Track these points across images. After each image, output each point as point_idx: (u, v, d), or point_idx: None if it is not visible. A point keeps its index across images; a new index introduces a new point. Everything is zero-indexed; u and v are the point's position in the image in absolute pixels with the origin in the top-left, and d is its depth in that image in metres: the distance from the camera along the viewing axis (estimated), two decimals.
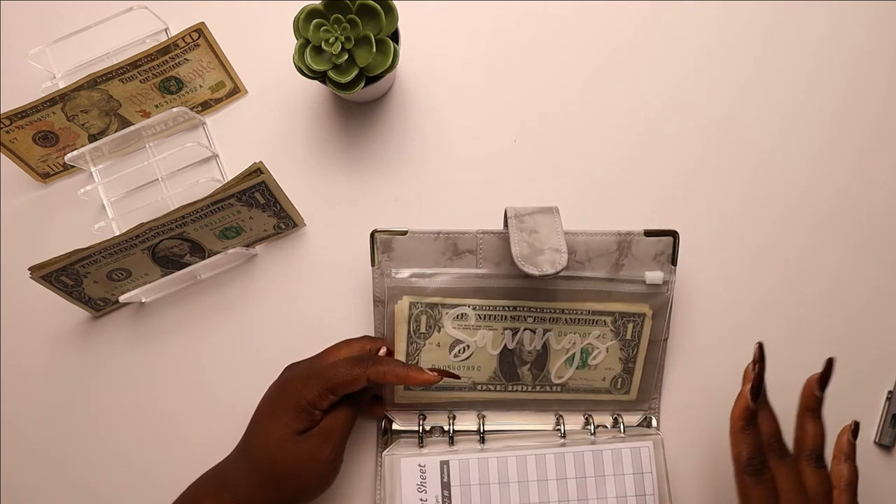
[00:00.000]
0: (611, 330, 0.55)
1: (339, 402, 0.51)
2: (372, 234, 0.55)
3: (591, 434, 0.55)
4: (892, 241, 0.60)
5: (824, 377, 0.49)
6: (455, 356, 0.55)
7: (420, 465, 0.54)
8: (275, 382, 0.53)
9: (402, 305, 0.54)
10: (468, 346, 0.55)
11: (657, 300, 0.55)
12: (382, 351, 0.54)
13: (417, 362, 0.55)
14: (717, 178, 0.60)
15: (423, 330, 0.54)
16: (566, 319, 0.55)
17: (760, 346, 0.49)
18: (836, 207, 0.60)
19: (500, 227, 0.56)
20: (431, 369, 0.52)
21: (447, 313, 0.54)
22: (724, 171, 0.60)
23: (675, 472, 0.57)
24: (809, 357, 0.58)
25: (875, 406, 0.58)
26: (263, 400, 0.53)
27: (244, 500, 0.49)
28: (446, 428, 0.55)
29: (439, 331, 0.54)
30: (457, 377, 0.54)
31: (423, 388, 0.55)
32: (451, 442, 0.55)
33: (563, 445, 0.55)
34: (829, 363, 0.49)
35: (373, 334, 0.57)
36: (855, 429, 0.50)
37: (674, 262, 0.55)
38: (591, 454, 0.54)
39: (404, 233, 0.55)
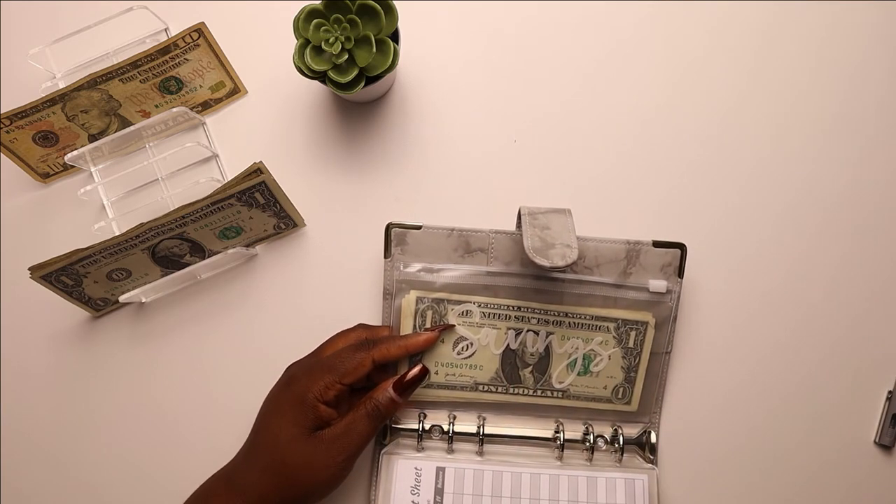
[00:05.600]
0: (613, 337, 0.55)
1: (357, 409, 0.50)
2: (387, 227, 0.55)
3: (591, 443, 0.55)
4: (892, 242, 0.60)
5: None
6: (458, 353, 0.55)
7: (416, 469, 0.55)
8: (278, 382, 0.53)
9: (409, 300, 0.54)
10: (471, 344, 0.55)
11: (660, 309, 0.55)
12: (382, 333, 0.54)
13: (421, 358, 0.55)
14: (721, 188, 0.60)
15: (428, 325, 0.55)
16: (570, 323, 0.55)
17: None
18: (836, 212, 0.60)
19: (505, 226, 0.56)
20: (427, 329, 0.54)
21: (452, 309, 0.54)
22: (731, 182, 0.60)
23: (671, 490, 0.57)
24: (811, 360, 0.58)
25: (875, 406, 0.58)
26: (267, 399, 0.52)
27: (254, 501, 0.49)
28: (446, 428, 0.55)
29: None
30: (452, 327, 0.54)
31: (423, 384, 0.55)
32: (451, 443, 0.55)
33: (559, 467, 0.55)
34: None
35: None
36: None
37: (680, 274, 0.56)
38: (586, 480, 0.55)
39: (419, 227, 0.55)
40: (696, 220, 0.60)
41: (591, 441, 0.55)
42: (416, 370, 0.53)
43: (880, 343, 0.59)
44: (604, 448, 0.56)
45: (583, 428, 0.56)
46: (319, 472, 0.49)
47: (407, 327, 0.55)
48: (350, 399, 0.53)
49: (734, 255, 0.59)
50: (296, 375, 0.51)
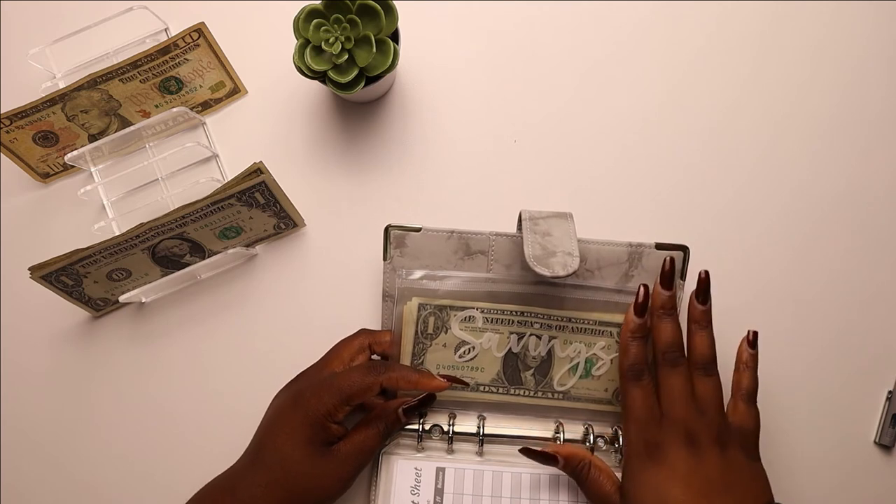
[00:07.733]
0: (616, 342, 0.55)
1: (369, 426, 0.52)
2: (386, 229, 0.55)
3: (591, 443, 0.55)
4: (893, 243, 0.60)
5: (700, 290, 0.52)
6: (460, 357, 0.55)
7: (416, 469, 0.55)
8: (283, 394, 0.53)
9: (411, 306, 0.54)
10: (473, 348, 0.55)
11: None
12: (385, 339, 0.55)
13: (423, 362, 0.55)
14: (721, 189, 0.60)
15: (430, 331, 0.55)
16: (572, 328, 0.55)
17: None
18: (836, 213, 0.60)
19: (505, 227, 0.56)
20: (442, 375, 0.54)
21: (455, 315, 0.54)
22: (731, 183, 0.60)
23: None
24: (811, 360, 0.58)
25: (875, 406, 0.58)
26: (274, 412, 0.52)
27: None
28: (446, 428, 0.55)
29: (446, 332, 0.55)
30: (466, 384, 0.54)
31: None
32: (451, 443, 0.55)
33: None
34: (702, 276, 0.52)
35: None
36: (752, 339, 0.53)
37: (683, 276, 0.55)
38: None
39: (418, 230, 0.55)
40: (694, 221, 0.60)
41: (591, 441, 0.55)
42: (425, 397, 0.54)
43: (880, 343, 0.59)
44: (604, 448, 0.56)
45: (583, 429, 0.56)
46: (333, 485, 0.50)
47: (408, 334, 0.54)
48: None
49: (733, 256, 0.59)
50: (303, 393, 0.51)
